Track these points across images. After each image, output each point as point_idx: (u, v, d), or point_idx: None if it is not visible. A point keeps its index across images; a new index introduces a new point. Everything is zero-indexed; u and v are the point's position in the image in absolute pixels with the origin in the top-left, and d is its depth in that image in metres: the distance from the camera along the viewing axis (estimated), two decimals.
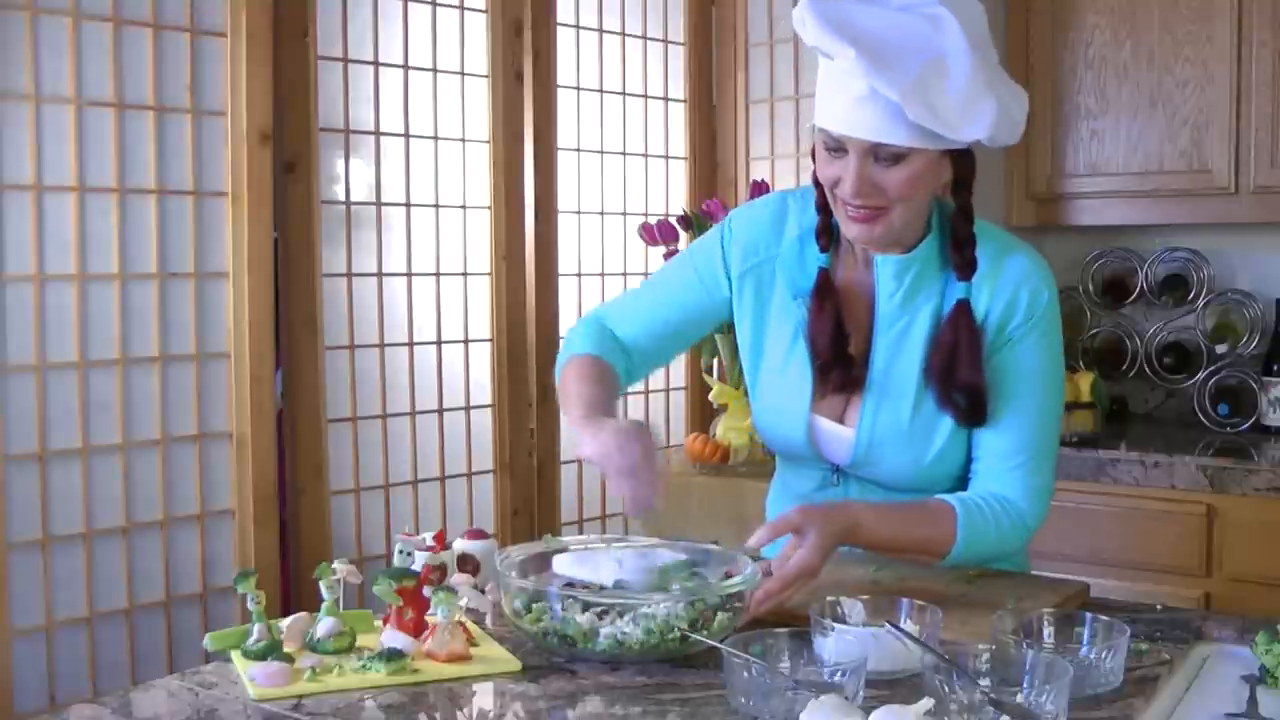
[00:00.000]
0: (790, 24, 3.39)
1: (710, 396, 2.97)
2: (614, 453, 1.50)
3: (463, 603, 1.49)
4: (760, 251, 1.73)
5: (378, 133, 2.73)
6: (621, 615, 1.41)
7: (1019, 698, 1.17)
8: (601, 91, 3.23)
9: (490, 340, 2.96)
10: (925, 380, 1.64)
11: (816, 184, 1.64)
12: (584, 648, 1.42)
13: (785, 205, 1.75)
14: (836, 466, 1.74)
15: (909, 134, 1.49)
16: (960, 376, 1.61)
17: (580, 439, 1.56)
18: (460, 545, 1.69)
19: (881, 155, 1.52)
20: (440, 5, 2.85)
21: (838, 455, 1.72)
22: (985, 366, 1.62)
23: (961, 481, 1.72)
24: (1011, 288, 1.64)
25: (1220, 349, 3.31)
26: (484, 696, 1.38)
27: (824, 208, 1.66)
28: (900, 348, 1.65)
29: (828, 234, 1.67)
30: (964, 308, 1.62)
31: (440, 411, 2.87)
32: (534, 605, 1.45)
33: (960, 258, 1.63)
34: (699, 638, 1.41)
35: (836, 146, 1.54)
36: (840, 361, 1.66)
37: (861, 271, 1.68)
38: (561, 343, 1.81)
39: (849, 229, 1.59)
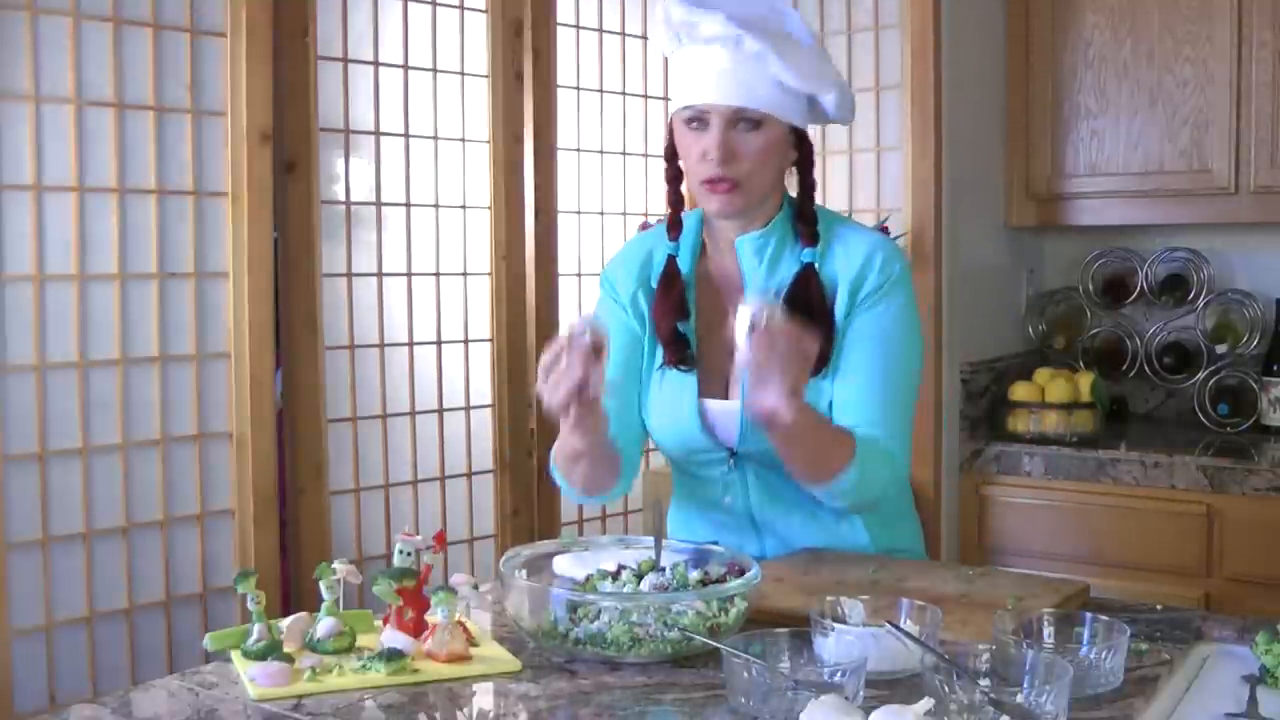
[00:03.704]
0: None
1: None
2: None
3: (463, 604, 1.50)
4: (642, 270, 1.87)
5: (378, 133, 2.73)
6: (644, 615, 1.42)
7: (1019, 698, 1.17)
8: (601, 91, 3.23)
9: (490, 340, 2.96)
10: None
11: (671, 181, 1.81)
12: (618, 654, 1.42)
13: (645, 237, 1.94)
14: (731, 452, 1.81)
15: (766, 98, 1.68)
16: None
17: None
18: None
19: (741, 122, 1.69)
20: (440, 5, 2.85)
21: (728, 432, 1.79)
22: (836, 325, 1.75)
23: None
24: (864, 255, 1.77)
25: (1220, 349, 3.31)
26: (484, 696, 1.38)
27: (675, 203, 1.83)
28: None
29: (677, 226, 1.83)
30: (809, 270, 1.76)
31: (440, 411, 2.86)
32: (577, 610, 1.45)
33: (806, 228, 1.78)
34: (700, 638, 1.41)
35: (699, 122, 1.71)
36: (677, 339, 1.80)
37: (729, 259, 1.82)
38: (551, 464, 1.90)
39: (710, 203, 1.74)
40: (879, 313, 1.76)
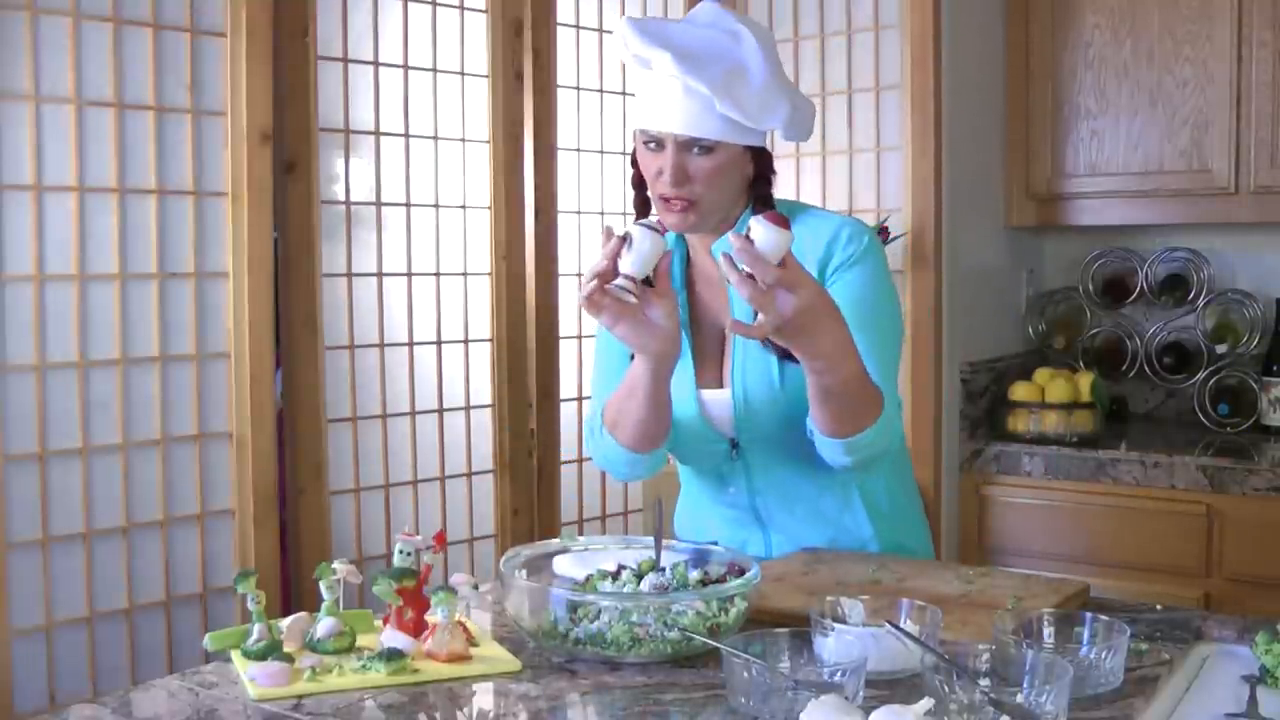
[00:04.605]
0: (790, 24, 3.39)
1: None
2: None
3: (463, 604, 1.50)
4: None
5: (378, 133, 2.73)
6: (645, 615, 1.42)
7: (1019, 698, 1.18)
8: (601, 91, 3.23)
9: (490, 340, 2.96)
10: None
11: (635, 186, 1.85)
12: (618, 654, 1.42)
13: None
14: (733, 443, 1.84)
15: (717, 128, 1.71)
16: None
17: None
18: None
19: (695, 147, 1.73)
20: (440, 5, 2.85)
21: (724, 420, 1.83)
22: None
23: None
24: (830, 233, 1.80)
25: (1220, 349, 3.32)
26: (484, 696, 1.38)
27: (640, 206, 1.86)
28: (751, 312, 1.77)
29: None
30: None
31: (440, 411, 2.86)
32: (578, 610, 1.45)
33: None
34: (700, 638, 1.41)
35: (655, 144, 1.75)
36: None
37: (707, 259, 1.86)
38: (587, 434, 1.93)
39: (666, 218, 1.78)
40: (851, 278, 1.77)
